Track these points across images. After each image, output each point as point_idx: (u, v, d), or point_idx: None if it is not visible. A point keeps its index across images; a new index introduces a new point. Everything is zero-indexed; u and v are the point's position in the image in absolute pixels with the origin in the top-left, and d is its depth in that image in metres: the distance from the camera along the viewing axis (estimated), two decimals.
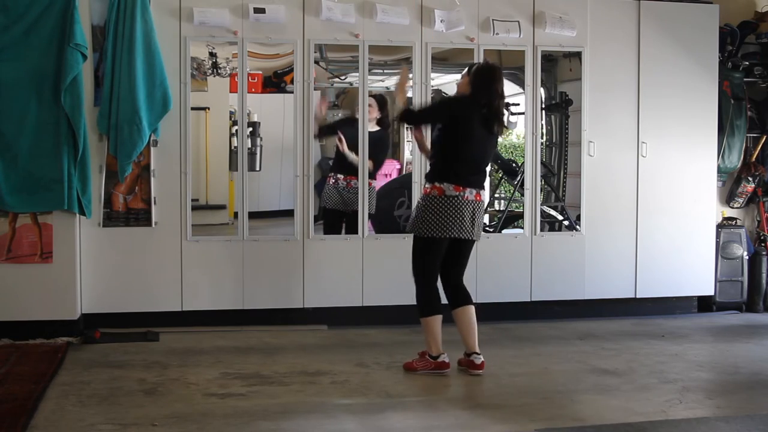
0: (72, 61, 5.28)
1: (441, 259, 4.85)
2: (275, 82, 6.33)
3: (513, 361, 5.13)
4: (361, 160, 6.08)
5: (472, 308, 4.87)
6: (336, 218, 6.28)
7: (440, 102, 5.05)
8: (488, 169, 5.01)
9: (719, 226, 6.96)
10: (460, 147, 4.78)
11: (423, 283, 4.83)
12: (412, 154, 6.25)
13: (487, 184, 6.98)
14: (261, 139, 6.43)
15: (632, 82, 6.56)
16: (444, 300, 4.91)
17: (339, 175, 6.30)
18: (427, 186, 4.83)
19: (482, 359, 4.80)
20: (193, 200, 5.89)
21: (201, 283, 5.86)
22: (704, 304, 6.93)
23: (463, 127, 4.77)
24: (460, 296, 4.89)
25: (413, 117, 5.04)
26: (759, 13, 7.19)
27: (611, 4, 6.52)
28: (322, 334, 5.89)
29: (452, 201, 4.73)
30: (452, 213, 4.73)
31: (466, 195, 4.75)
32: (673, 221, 6.68)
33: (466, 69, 4.99)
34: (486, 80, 4.83)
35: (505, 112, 6.81)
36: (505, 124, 5.04)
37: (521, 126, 6.66)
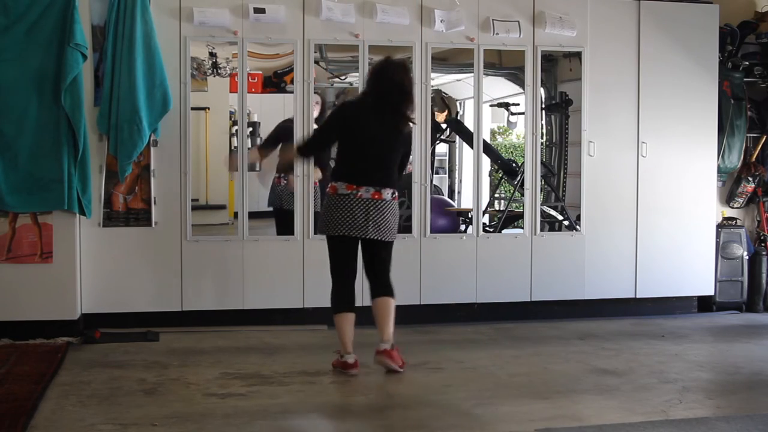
0: (72, 61, 5.27)
1: (349, 257, 4.82)
2: (275, 82, 6.34)
3: (513, 361, 5.13)
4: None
5: (389, 300, 4.80)
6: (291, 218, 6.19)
7: (330, 114, 4.88)
8: (393, 166, 4.81)
9: (719, 226, 6.96)
10: (354, 145, 4.75)
11: (333, 281, 4.86)
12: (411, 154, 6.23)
13: (487, 183, 7.06)
14: (261, 139, 6.44)
15: (632, 82, 6.56)
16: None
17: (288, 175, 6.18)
18: (328, 186, 4.83)
19: (386, 347, 4.73)
20: (193, 200, 5.89)
21: (201, 283, 5.86)
22: (704, 304, 6.92)
23: (355, 126, 4.74)
24: (379, 288, 4.86)
25: (310, 146, 4.95)
26: (759, 13, 7.18)
27: (611, 4, 6.52)
28: (322, 334, 5.89)
29: (343, 199, 4.69)
30: (342, 211, 4.69)
31: (360, 193, 4.69)
32: (673, 221, 6.68)
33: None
34: (377, 75, 4.77)
35: (506, 111, 6.89)
36: (412, 119, 4.82)
37: (521, 126, 6.66)
